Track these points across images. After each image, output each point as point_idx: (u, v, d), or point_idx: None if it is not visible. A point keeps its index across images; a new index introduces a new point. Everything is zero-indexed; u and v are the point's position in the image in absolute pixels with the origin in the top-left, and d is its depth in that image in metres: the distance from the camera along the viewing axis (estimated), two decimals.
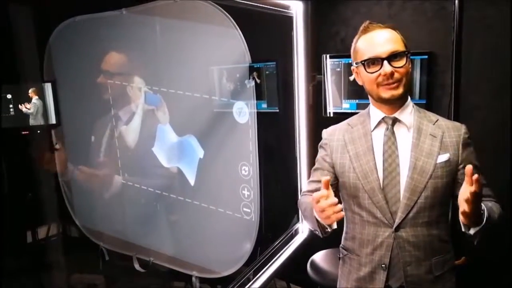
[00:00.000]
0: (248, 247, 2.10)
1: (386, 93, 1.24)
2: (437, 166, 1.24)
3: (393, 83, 1.23)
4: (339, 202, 1.29)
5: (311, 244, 2.34)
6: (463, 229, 1.16)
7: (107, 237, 2.53)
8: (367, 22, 1.30)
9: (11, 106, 2.57)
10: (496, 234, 1.19)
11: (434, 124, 1.29)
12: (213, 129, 2.13)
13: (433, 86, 2.13)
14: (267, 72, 2.16)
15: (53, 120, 2.62)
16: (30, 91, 2.60)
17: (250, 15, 2.10)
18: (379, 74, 1.22)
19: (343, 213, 1.12)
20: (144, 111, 2.28)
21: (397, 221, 1.24)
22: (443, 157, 1.25)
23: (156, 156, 2.30)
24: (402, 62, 1.22)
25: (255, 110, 2.04)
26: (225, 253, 2.20)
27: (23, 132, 2.56)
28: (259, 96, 2.13)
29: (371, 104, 1.35)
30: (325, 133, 1.42)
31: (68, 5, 2.45)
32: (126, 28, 2.27)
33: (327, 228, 1.21)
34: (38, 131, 2.60)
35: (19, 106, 2.55)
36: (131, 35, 2.26)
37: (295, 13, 2.22)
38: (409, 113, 1.30)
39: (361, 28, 1.30)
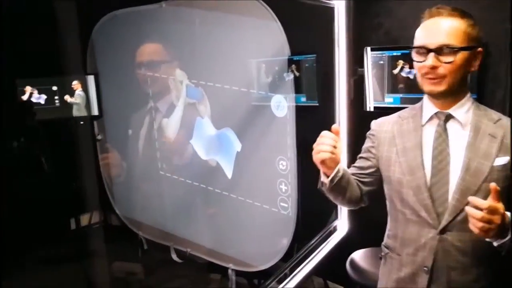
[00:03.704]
0: (284, 242, 2.09)
1: (426, 87, 1.17)
2: (493, 169, 1.14)
3: (435, 78, 1.14)
4: (384, 198, 1.30)
5: (350, 242, 2.29)
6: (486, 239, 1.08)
7: (146, 227, 2.59)
8: (437, 5, 1.19)
9: (56, 97, 2.67)
10: None
11: (495, 123, 1.19)
12: (250, 123, 2.11)
13: (485, 79, 2.00)
14: (306, 65, 2.11)
15: (95, 111, 2.70)
16: (74, 83, 2.69)
17: (290, 7, 2.06)
18: (424, 65, 1.15)
19: (330, 154, 1.14)
20: (185, 104, 2.30)
21: (443, 223, 1.17)
22: (502, 160, 1.15)
23: (194, 149, 2.32)
24: (451, 57, 1.12)
25: (294, 104, 2.01)
26: (262, 247, 2.19)
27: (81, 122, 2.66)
28: (298, 90, 2.09)
29: (424, 97, 1.28)
30: (374, 123, 1.37)
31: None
32: (166, 21, 2.29)
33: (325, 179, 1.22)
34: (82, 122, 2.69)
35: (64, 97, 2.65)
36: (170, 28, 2.27)
37: (337, 4, 2.15)
38: (465, 110, 1.21)
39: (427, 11, 1.20)
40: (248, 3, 1.94)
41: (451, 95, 1.19)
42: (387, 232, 1.37)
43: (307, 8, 2.10)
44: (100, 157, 2.65)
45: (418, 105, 1.31)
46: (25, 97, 2.56)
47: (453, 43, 1.13)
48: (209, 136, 2.26)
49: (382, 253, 1.39)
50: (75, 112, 2.67)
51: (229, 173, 2.23)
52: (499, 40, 1.96)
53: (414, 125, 1.27)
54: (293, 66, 2.08)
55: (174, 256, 2.46)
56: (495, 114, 1.23)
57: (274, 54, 2.01)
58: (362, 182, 1.35)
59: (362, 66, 2.15)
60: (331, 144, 1.15)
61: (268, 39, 1.98)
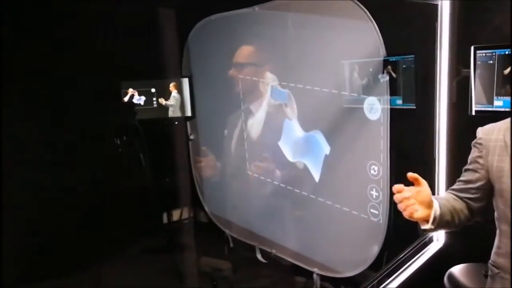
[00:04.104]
0: (373, 250, 2.00)
1: None
2: None
3: None
4: (493, 210, 1.18)
5: (447, 255, 2.13)
6: None
7: (233, 225, 2.66)
8: None
9: (154, 99, 2.87)
10: None
11: None
12: (341, 125, 2.06)
13: None
14: (404, 66, 2.00)
15: (189, 112, 2.85)
16: (170, 85, 2.86)
17: (388, 6, 1.97)
18: None
19: (415, 208, 1.07)
20: (270, 105, 2.32)
21: None
22: None
23: (282, 150, 2.33)
24: None
25: (389, 106, 1.92)
26: (349, 254, 2.13)
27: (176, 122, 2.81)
28: (393, 92, 1.99)
29: None
30: (481, 131, 1.26)
31: (205, 5, 2.62)
32: (258, 24, 2.33)
33: (425, 226, 1.14)
34: (176, 122, 2.85)
35: (159, 100, 2.83)
36: (263, 32, 2.31)
37: (441, 2, 2.01)
38: None
39: None
40: (342, 4, 1.91)
41: None
42: (496, 250, 1.25)
43: (406, 6, 2.00)
44: (196, 158, 2.78)
45: None
46: (126, 98, 2.79)
47: None
48: (297, 138, 2.25)
49: (490, 272, 1.27)
50: (171, 113, 2.84)
51: (316, 176, 2.20)
52: None
53: None
54: (389, 67, 1.99)
55: (259, 256, 2.50)
56: None
57: (368, 55, 1.95)
58: (472, 199, 1.24)
59: (466, 66, 1.98)
60: (401, 201, 1.10)
61: (362, 40, 1.93)
